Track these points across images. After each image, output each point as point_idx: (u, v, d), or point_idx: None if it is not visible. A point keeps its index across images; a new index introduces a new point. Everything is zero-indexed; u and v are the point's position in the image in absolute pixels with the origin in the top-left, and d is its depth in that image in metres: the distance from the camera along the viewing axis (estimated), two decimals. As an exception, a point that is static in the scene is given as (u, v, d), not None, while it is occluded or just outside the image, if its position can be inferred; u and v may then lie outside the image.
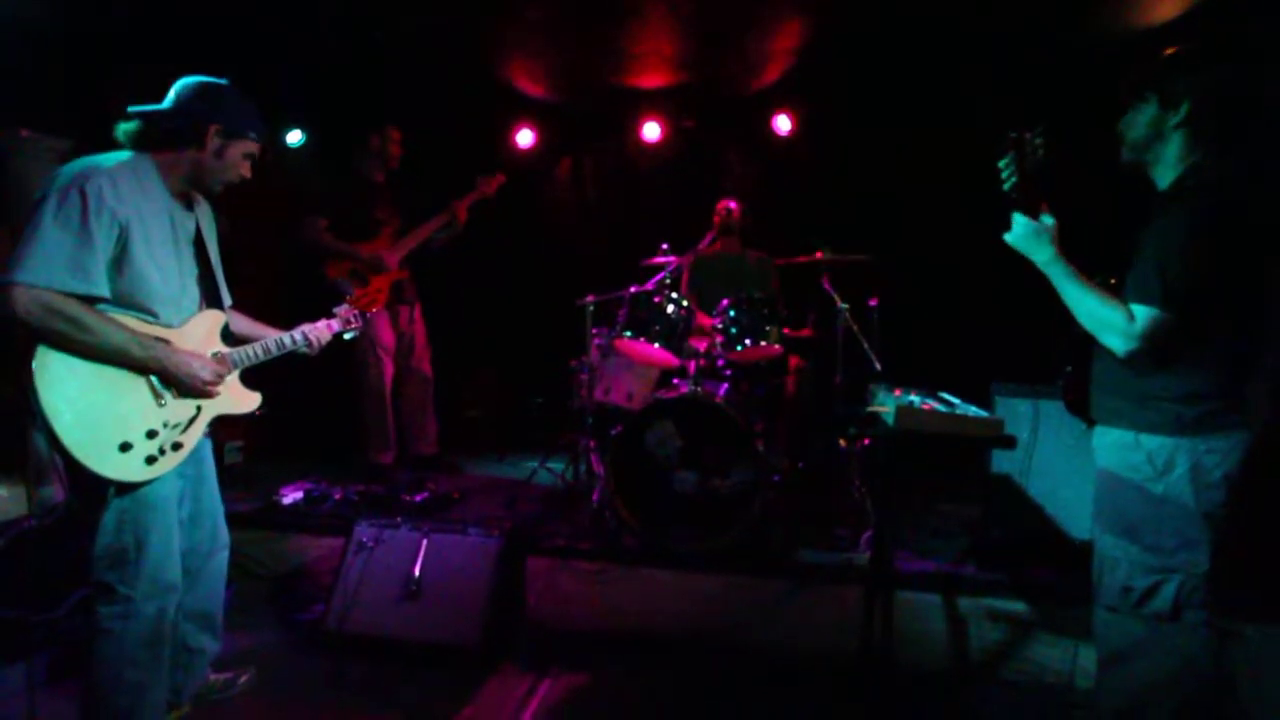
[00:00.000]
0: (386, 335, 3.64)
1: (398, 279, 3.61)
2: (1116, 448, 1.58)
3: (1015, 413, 2.75)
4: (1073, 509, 2.66)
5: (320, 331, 2.05)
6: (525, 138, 4.70)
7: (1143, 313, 1.44)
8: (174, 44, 3.40)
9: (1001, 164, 1.59)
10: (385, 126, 3.61)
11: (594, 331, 3.37)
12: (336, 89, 4.16)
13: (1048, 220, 1.58)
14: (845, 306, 3.27)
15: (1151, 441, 1.52)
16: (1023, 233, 1.58)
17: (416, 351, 3.76)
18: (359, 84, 4.10)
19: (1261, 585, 2.19)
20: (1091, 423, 1.69)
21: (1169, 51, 1.55)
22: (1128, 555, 1.56)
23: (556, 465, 3.65)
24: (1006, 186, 1.59)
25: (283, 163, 4.20)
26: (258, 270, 4.39)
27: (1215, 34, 2.27)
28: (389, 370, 3.68)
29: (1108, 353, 1.54)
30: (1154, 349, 1.45)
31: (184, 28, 3.31)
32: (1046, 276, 1.58)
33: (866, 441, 3.11)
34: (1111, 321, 1.47)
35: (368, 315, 3.49)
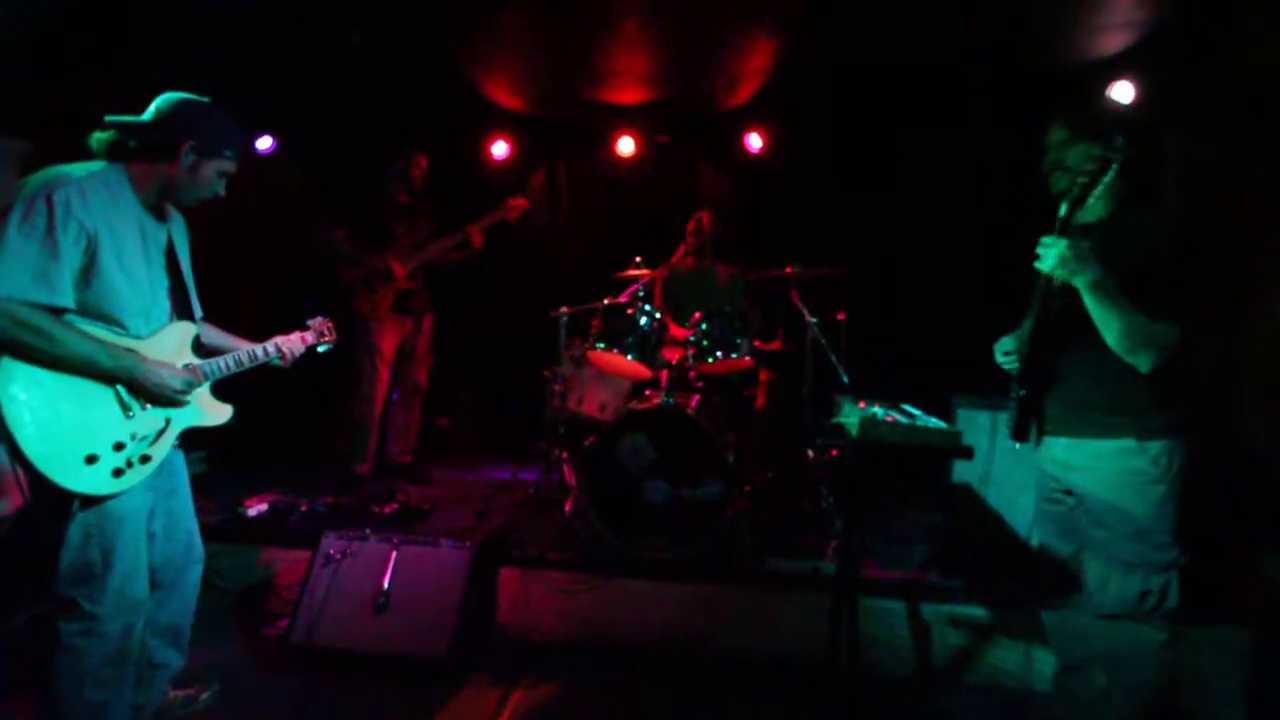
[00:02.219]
0: (387, 344, 3.68)
1: (404, 289, 3.67)
2: (1115, 455, 1.65)
3: (975, 424, 2.85)
4: (1030, 516, 2.76)
5: (292, 343, 2.05)
6: (501, 149, 4.72)
7: (1166, 328, 1.57)
8: (142, 47, 3.36)
9: (1062, 186, 1.67)
10: (412, 151, 3.75)
11: (567, 342, 3.39)
12: (312, 96, 4.14)
13: (1083, 242, 1.62)
14: (814, 320, 3.36)
15: (1154, 446, 1.62)
16: (1071, 255, 1.58)
17: (415, 360, 3.81)
18: (334, 91, 4.09)
19: (1203, 584, 2.31)
20: (1035, 441, 1.78)
21: (1115, 103, 1.70)
22: (1141, 558, 1.63)
23: (529, 476, 3.64)
24: (1063, 210, 1.64)
25: (256, 171, 4.16)
26: (237, 280, 4.34)
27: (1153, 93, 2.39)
28: (384, 379, 3.71)
29: (1091, 369, 1.64)
30: (1171, 360, 1.59)
31: (152, 30, 3.28)
32: (1088, 296, 1.60)
33: (834, 452, 3.18)
34: (1157, 336, 1.56)
35: (370, 323, 3.55)
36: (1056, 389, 1.73)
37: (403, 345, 3.77)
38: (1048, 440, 1.78)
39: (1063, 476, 1.76)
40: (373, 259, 3.62)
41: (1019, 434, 1.80)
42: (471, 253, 3.81)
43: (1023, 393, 1.76)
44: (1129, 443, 1.64)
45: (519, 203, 3.85)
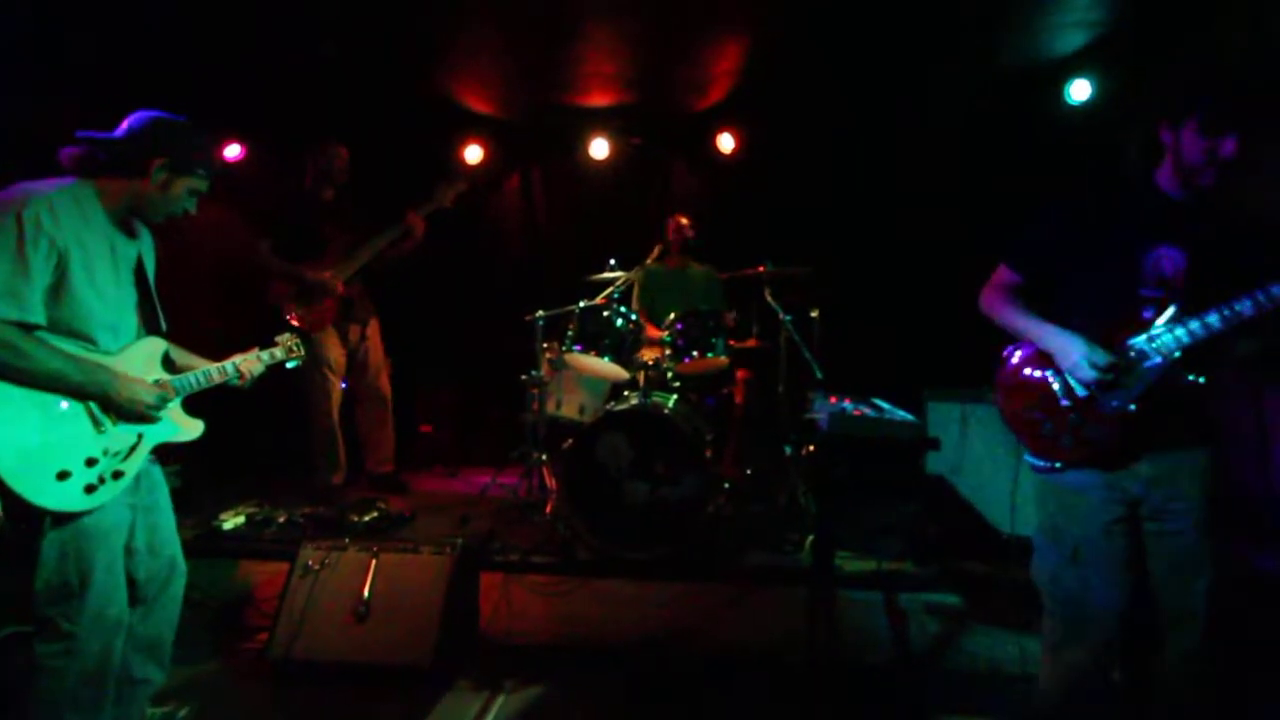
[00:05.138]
0: (334, 354, 3.57)
1: (344, 297, 3.55)
2: (1209, 464, 1.62)
3: (946, 416, 2.92)
4: (999, 505, 2.83)
5: (250, 363, 2.02)
6: (474, 153, 4.71)
7: None
8: (111, 60, 3.32)
9: None
10: (331, 143, 3.56)
11: (545, 346, 3.40)
12: (280, 103, 4.10)
13: None
14: (788, 318, 3.40)
15: None
16: None
17: (371, 369, 3.70)
18: (304, 98, 4.06)
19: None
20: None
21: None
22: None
23: (509, 480, 3.65)
24: None
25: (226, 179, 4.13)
26: (197, 294, 4.28)
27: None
28: (336, 390, 3.61)
29: (1209, 374, 1.57)
30: None
31: (123, 41, 3.23)
32: None
33: (811, 448, 3.22)
34: None
35: (312, 335, 3.46)
36: (1174, 401, 1.57)
37: (352, 355, 3.64)
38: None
39: (1143, 493, 1.60)
40: (306, 272, 3.43)
41: (1103, 457, 1.59)
42: (416, 243, 3.62)
43: (1132, 409, 1.57)
44: (1209, 447, 1.59)
45: (454, 187, 3.65)
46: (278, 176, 3.81)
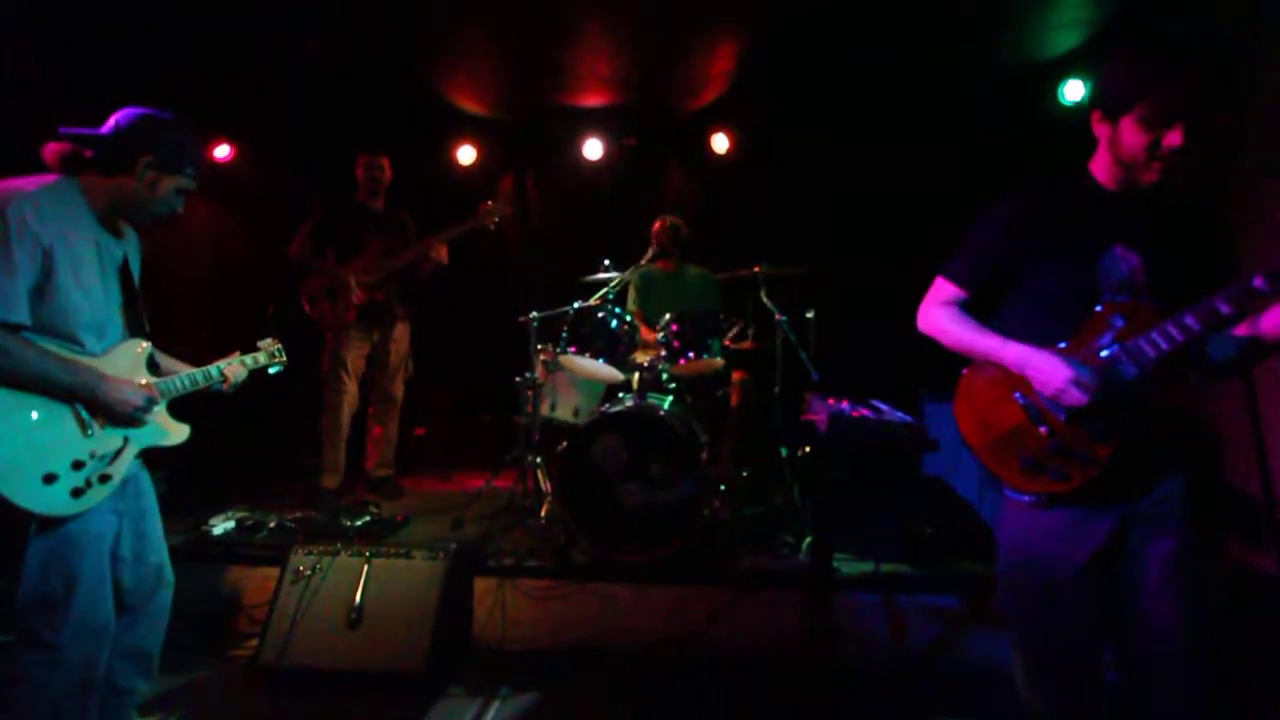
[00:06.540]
0: (353, 355, 3.62)
1: (370, 299, 3.60)
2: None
3: (943, 417, 2.89)
4: (995, 506, 2.81)
5: (233, 368, 1.99)
6: (467, 154, 4.68)
7: None
8: (98, 58, 3.28)
9: None
10: (373, 153, 3.67)
11: (539, 348, 3.37)
12: (272, 104, 4.07)
13: None
14: (783, 319, 3.39)
15: None
16: None
17: (388, 370, 3.75)
18: (296, 99, 4.02)
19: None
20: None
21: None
22: None
23: (504, 484, 3.61)
24: None
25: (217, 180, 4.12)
26: (183, 298, 4.24)
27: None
28: (351, 391, 3.64)
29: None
30: None
31: (108, 40, 3.19)
32: None
33: (807, 449, 3.21)
34: None
35: (336, 335, 3.50)
36: (1157, 416, 1.43)
37: (372, 356, 3.70)
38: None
39: (1126, 521, 1.48)
40: (333, 269, 3.56)
41: (1088, 486, 1.42)
42: (436, 266, 3.69)
43: (1117, 429, 1.41)
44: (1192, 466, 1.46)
45: (495, 211, 3.72)
46: (263, 173, 3.84)
